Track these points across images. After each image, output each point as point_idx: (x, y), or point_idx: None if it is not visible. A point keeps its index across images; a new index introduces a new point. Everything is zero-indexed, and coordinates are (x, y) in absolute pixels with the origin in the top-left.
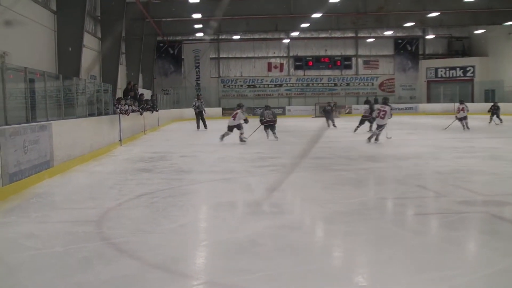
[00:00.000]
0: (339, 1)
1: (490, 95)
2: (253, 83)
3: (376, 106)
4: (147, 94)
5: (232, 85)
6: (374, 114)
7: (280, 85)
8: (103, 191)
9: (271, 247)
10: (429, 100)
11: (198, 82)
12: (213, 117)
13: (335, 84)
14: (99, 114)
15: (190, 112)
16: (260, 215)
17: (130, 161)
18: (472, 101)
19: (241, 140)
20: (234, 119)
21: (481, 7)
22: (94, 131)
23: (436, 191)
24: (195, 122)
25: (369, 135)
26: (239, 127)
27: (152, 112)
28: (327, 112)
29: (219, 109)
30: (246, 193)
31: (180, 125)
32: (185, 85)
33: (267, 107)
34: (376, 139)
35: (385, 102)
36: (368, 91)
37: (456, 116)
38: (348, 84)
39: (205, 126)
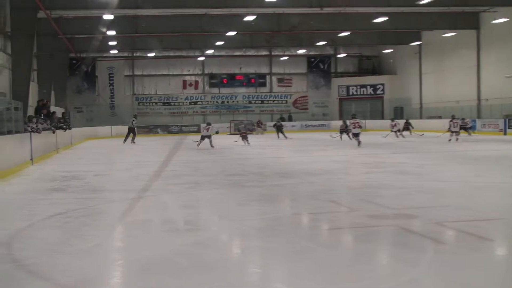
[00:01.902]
0: (253, 20)
1: (399, 112)
2: (168, 101)
3: (350, 121)
4: (59, 112)
5: (146, 103)
6: (351, 126)
7: (195, 103)
8: (13, 212)
9: (187, 264)
10: (341, 117)
11: (113, 99)
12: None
13: (250, 102)
14: (9, 132)
15: (105, 130)
16: (175, 233)
17: (42, 180)
18: (382, 118)
19: (211, 145)
20: (207, 131)
21: (389, 27)
22: (4, 149)
23: (348, 206)
24: (109, 140)
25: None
26: (209, 136)
27: (65, 130)
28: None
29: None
30: (161, 211)
31: (94, 143)
32: (99, 102)
33: (241, 122)
34: (359, 143)
35: (354, 116)
36: (282, 108)
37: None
38: (262, 102)
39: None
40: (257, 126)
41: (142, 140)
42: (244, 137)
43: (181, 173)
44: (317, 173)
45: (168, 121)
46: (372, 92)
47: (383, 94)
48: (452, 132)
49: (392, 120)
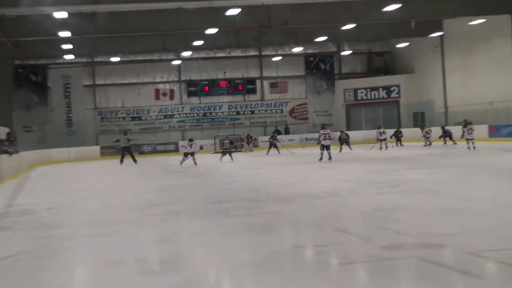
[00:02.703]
0: (237, 14)
1: (419, 118)
2: (138, 115)
3: (320, 132)
4: (3, 132)
5: (112, 118)
6: (321, 137)
7: (171, 116)
8: None
9: None
10: (349, 127)
11: (70, 115)
12: (88, 158)
13: (238, 113)
14: None
15: (61, 153)
16: (150, 274)
17: None
18: (399, 126)
19: (195, 163)
20: (190, 148)
21: (403, 17)
22: None
23: (358, 235)
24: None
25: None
26: (193, 154)
27: (11, 154)
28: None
29: (96, 148)
30: (132, 248)
31: (48, 169)
32: (52, 119)
33: (226, 137)
34: (330, 158)
35: (324, 126)
36: (277, 119)
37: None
38: (252, 112)
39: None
40: (246, 142)
41: (109, 163)
42: (228, 154)
43: (158, 201)
44: (320, 195)
45: (139, 139)
46: (385, 96)
47: (398, 97)
48: (468, 140)
49: (379, 128)
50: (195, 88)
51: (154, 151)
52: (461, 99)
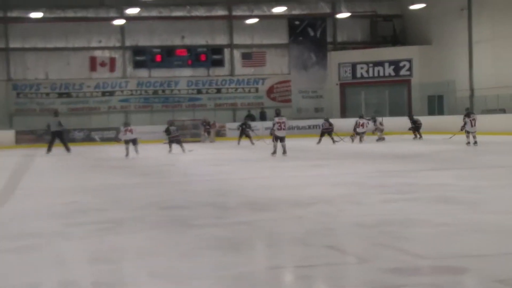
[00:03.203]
0: None
1: (435, 103)
2: (66, 90)
3: (276, 120)
4: None
5: (32, 94)
6: (276, 127)
7: (111, 93)
8: None
9: None
10: (344, 113)
11: None
12: None
13: (199, 91)
14: None
15: None
16: None
17: None
18: (410, 112)
19: (137, 152)
20: (131, 133)
21: None
22: None
23: (355, 254)
24: None
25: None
26: (135, 141)
27: None
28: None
29: (10, 133)
30: (56, 269)
31: None
32: None
33: (172, 123)
34: (285, 152)
35: (279, 113)
36: (250, 100)
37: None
38: (219, 91)
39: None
40: (204, 130)
41: (26, 154)
42: (177, 142)
43: (90, 206)
44: (308, 202)
45: (68, 123)
46: (392, 73)
47: (409, 75)
48: (469, 132)
49: (361, 117)
50: (143, 58)
51: (88, 139)
52: (492, 80)
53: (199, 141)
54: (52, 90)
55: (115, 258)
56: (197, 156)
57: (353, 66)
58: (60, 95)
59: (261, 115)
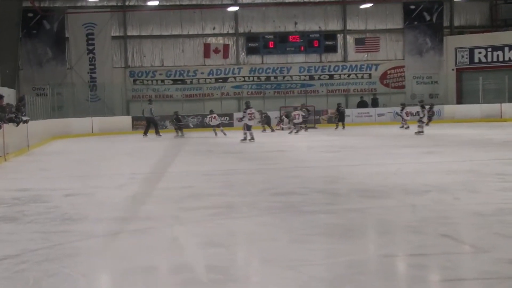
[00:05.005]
0: None
1: None
2: (181, 77)
3: (247, 111)
4: (8, 95)
5: (147, 81)
6: (247, 117)
7: (225, 80)
8: None
9: None
10: (460, 100)
11: (93, 75)
12: (116, 131)
13: (311, 77)
14: None
15: (82, 123)
16: (195, 287)
17: None
18: None
19: (225, 134)
20: (216, 120)
21: None
22: None
23: (472, 244)
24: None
25: None
26: (219, 125)
27: (18, 124)
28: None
29: (126, 119)
30: (171, 252)
31: (66, 144)
32: (71, 80)
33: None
34: (252, 138)
35: (249, 105)
36: (363, 86)
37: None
38: (331, 77)
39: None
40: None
41: (142, 139)
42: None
43: (202, 190)
44: (421, 190)
45: (182, 109)
46: None
47: None
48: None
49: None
50: (256, 44)
51: (202, 125)
52: None
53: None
54: (167, 77)
55: (228, 242)
56: (308, 143)
57: (471, 50)
58: (175, 81)
59: (373, 101)
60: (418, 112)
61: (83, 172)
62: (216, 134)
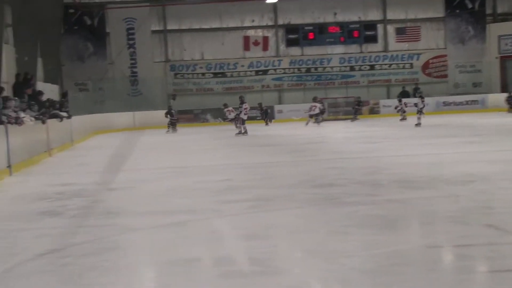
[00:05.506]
0: None
1: None
2: (221, 70)
3: (243, 106)
4: (51, 90)
5: (188, 74)
6: (243, 112)
7: (265, 72)
8: None
9: None
10: (504, 88)
11: (134, 70)
12: (157, 125)
13: (352, 68)
14: None
15: (123, 118)
16: (236, 279)
17: (25, 199)
18: None
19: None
20: (233, 113)
21: None
22: None
23: None
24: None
25: None
26: (238, 118)
27: (61, 120)
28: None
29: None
30: (211, 245)
31: (107, 139)
32: (113, 75)
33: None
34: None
35: (243, 100)
36: (404, 76)
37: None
38: (372, 67)
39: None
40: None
41: (183, 133)
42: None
43: (241, 183)
44: (464, 180)
45: (222, 102)
46: None
47: None
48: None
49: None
50: (295, 36)
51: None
52: None
53: (350, 119)
54: (207, 70)
55: (267, 235)
56: (347, 134)
57: None
58: (215, 75)
59: (415, 91)
60: (416, 103)
61: (125, 166)
62: (236, 127)
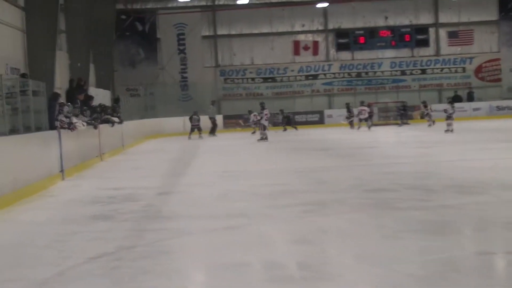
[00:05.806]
0: None
1: None
2: (271, 75)
3: (264, 112)
4: (103, 96)
5: (238, 79)
6: (264, 117)
7: (315, 77)
8: (35, 253)
9: None
10: None
11: (185, 75)
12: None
13: (403, 72)
14: (26, 130)
15: (174, 123)
16: (286, 284)
17: (78, 203)
18: None
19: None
20: (256, 117)
21: None
22: (19, 157)
23: None
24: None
25: None
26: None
27: (113, 125)
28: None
29: (218, 117)
30: (262, 250)
31: (158, 144)
32: (163, 80)
33: (195, 112)
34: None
35: (264, 106)
36: (457, 80)
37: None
38: (423, 71)
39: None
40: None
41: (233, 138)
42: (198, 129)
43: (293, 188)
44: None
45: (272, 107)
46: None
47: None
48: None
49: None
50: (346, 40)
51: (292, 122)
52: None
53: (398, 124)
54: (257, 75)
55: (319, 239)
56: (397, 138)
57: None
58: (265, 79)
59: (468, 96)
60: (445, 109)
61: (175, 170)
62: (254, 132)
